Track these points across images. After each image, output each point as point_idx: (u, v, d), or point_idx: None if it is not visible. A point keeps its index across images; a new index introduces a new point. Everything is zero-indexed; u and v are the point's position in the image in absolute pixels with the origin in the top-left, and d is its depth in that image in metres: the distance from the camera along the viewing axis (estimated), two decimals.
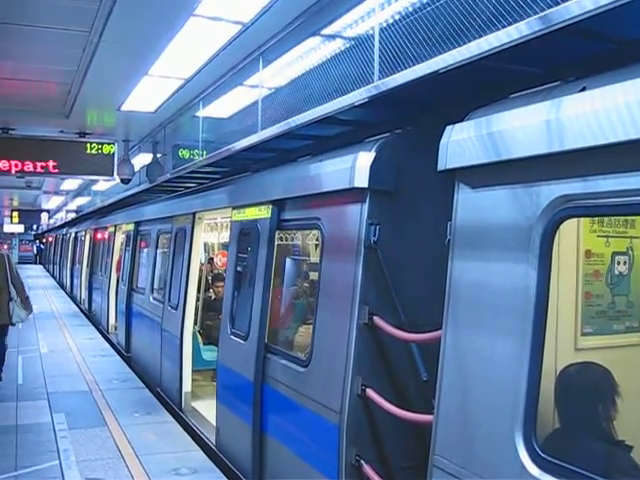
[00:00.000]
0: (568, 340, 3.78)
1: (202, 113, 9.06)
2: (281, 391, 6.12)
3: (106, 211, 20.80)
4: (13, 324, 10.66)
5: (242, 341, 7.05)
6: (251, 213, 7.30)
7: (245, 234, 7.56)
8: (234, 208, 7.91)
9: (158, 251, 12.46)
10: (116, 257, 17.25)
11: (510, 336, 3.25)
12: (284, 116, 6.26)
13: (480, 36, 3.56)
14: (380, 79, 4.55)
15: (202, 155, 9.57)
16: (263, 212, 6.90)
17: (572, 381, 3.48)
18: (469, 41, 3.64)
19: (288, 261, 7.26)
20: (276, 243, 6.75)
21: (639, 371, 3.81)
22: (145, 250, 13.05)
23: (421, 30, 4.14)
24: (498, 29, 3.42)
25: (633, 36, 3.46)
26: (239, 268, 7.82)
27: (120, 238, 17.05)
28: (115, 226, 17.70)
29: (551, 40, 3.26)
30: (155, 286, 12.30)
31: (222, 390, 7.81)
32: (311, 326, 5.77)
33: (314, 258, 7.26)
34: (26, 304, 10.55)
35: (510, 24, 3.33)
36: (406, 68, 4.22)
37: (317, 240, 6.26)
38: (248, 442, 6.60)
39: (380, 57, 4.57)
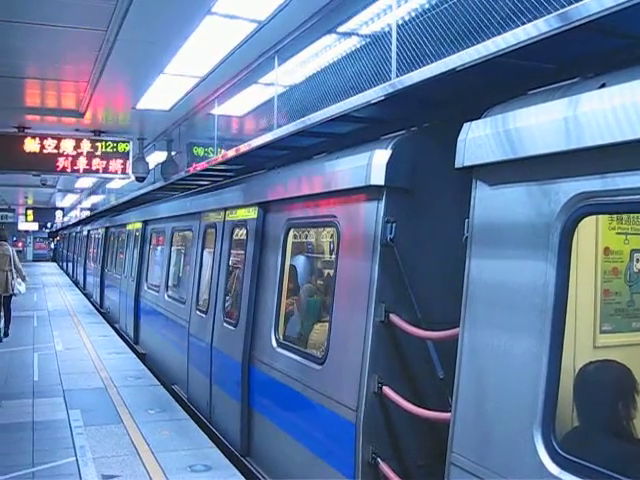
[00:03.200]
0: (587, 338, 3.77)
1: (217, 111, 9.08)
2: (265, 371, 6.84)
3: (121, 209, 20.90)
4: (15, 295, 15.77)
5: (232, 327, 7.85)
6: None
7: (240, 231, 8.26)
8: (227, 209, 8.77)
9: (185, 249, 12.50)
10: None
11: (528, 334, 3.24)
12: (300, 113, 6.26)
13: (498, 33, 3.55)
14: (398, 77, 4.54)
15: (217, 153, 9.58)
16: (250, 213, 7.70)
17: (591, 379, 3.46)
18: (487, 38, 3.63)
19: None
20: (290, 241, 6.86)
21: None
22: (173, 248, 12.95)
23: (439, 27, 4.13)
24: (517, 26, 3.40)
25: None
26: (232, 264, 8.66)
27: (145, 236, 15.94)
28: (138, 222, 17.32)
29: (569, 37, 3.25)
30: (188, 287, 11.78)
31: (215, 371, 8.48)
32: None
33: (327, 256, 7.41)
34: (23, 281, 16.03)
35: (529, 21, 3.31)
36: (424, 65, 4.21)
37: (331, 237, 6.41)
38: (237, 416, 7.47)
39: (398, 54, 4.56)
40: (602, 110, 2.91)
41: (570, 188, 3.08)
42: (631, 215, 3.85)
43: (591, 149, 2.94)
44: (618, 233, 3.88)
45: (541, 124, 3.25)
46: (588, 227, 3.66)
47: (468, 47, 3.78)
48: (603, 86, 3.02)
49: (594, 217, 3.61)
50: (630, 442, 3.33)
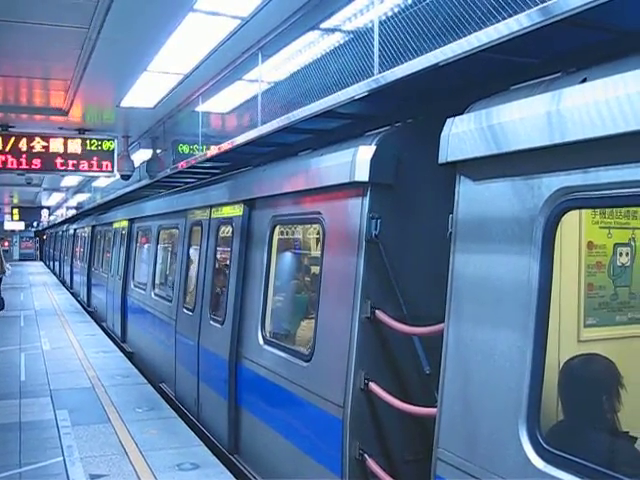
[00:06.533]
0: (571, 332, 3.78)
1: (201, 108, 9.05)
2: (252, 368, 6.85)
3: (107, 207, 20.80)
4: (6, 275, 20.57)
5: (219, 325, 7.85)
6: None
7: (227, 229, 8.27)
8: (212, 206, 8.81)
9: (171, 247, 12.44)
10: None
11: (513, 328, 3.25)
12: (284, 110, 6.25)
13: (480, 28, 3.54)
14: (380, 72, 4.54)
15: (202, 150, 9.55)
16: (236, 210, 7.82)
17: (576, 373, 3.48)
18: (469, 33, 3.62)
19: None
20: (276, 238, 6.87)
21: None
22: (159, 246, 12.86)
23: (421, 23, 4.12)
24: (498, 21, 3.40)
25: (632, 27, 3.44)
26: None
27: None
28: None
29: (551, 32, 3.25)
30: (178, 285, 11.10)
31: (202, 369, 8.48)
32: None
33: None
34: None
35: (510, 16, 3.31)
36: (406, 61, 4.20)
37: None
38: (224, 414, 7.49)
39: (380, 50, 4.56)
40: (583, 105, 2.91)
41: (553, 182, 3.08)
42: (614, 209, 3.87)
43: (573, 144, 2.95)
44: (601, 227, 3.89)
45: (523, 119, 3.25)
46: (571, 221, 3.67)
47: (450, 42, 3.77)
48: (584, 81, 3.02)
49: (577, 211, 3.62)
50: (614, 435, 3.34)
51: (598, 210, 3.78)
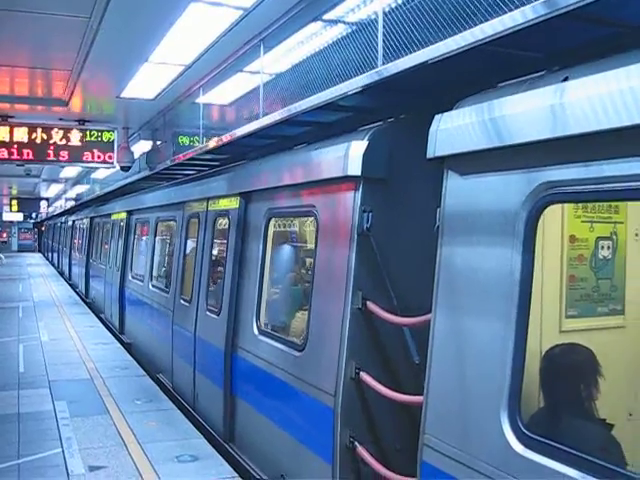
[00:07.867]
0: (553, 322, 3.87)
1: (202, 100, 9.07)
2: (247, 358, 6.96)
3: (106, 199, 20.79)
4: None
5: (215, 316, 7.95)
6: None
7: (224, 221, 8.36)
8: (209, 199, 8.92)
9: (168, 238, 12.49)
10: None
11: (496, 318, 3.34)
12: (286, 102, 6.26)
13: (485, 20, 3.53)
14: (384, 64, 4.56)
15: (202, 142, 9.58)
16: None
17: (556, 362, 3.56)
18: (474, 25, 3.62)
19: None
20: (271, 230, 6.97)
21: (621, 352, 3.91)
22: (157, 238, 12.85)
23: (426, 14, 4.11)
24: (504, 13, 3.41)
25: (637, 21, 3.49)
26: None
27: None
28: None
29: (555, 25, 3.25)
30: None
31: (199, 359, 8.57)
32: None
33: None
34: None
35: (517, 7, 3.31)
36: (409, 53, 4.20)
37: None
38: (220, 404, 7.56)
39: (384, 42, 4.56)
40: (564, 103, 3.00)
41: (534, 178, 3.17)
42: (596, 203, 3.95)
43: (555, 140, 3.03)
44: (584, 221, 3.97)
45: (509, 116, 3.35)
46: (554, 215, 3.75)
47: (455, 34, 3.76)
48: (566, 79, 3.10)
49: (560, 206, 3.70)
50: (592, 422, 3.44)
51: (580, 204, 3.87)
